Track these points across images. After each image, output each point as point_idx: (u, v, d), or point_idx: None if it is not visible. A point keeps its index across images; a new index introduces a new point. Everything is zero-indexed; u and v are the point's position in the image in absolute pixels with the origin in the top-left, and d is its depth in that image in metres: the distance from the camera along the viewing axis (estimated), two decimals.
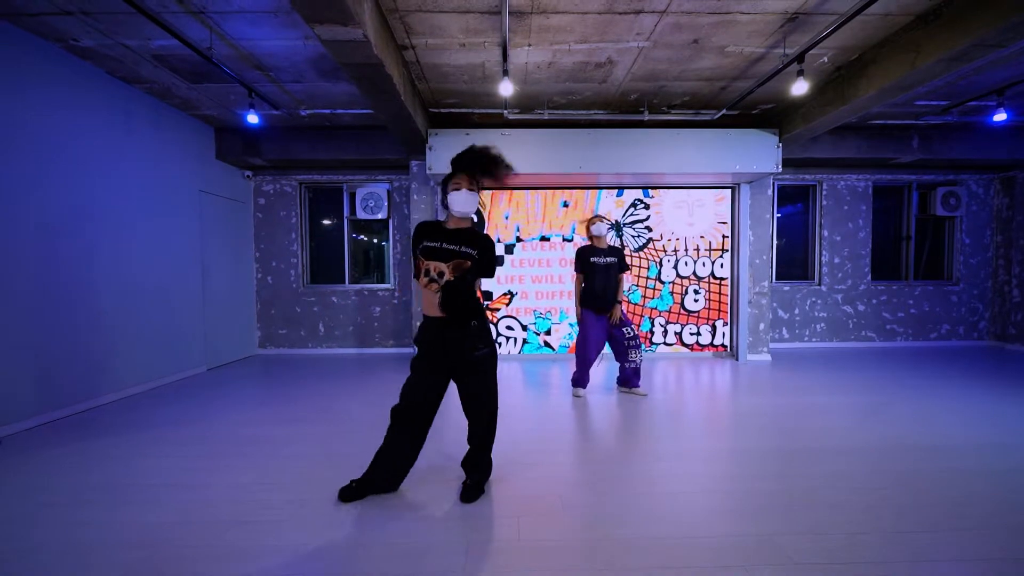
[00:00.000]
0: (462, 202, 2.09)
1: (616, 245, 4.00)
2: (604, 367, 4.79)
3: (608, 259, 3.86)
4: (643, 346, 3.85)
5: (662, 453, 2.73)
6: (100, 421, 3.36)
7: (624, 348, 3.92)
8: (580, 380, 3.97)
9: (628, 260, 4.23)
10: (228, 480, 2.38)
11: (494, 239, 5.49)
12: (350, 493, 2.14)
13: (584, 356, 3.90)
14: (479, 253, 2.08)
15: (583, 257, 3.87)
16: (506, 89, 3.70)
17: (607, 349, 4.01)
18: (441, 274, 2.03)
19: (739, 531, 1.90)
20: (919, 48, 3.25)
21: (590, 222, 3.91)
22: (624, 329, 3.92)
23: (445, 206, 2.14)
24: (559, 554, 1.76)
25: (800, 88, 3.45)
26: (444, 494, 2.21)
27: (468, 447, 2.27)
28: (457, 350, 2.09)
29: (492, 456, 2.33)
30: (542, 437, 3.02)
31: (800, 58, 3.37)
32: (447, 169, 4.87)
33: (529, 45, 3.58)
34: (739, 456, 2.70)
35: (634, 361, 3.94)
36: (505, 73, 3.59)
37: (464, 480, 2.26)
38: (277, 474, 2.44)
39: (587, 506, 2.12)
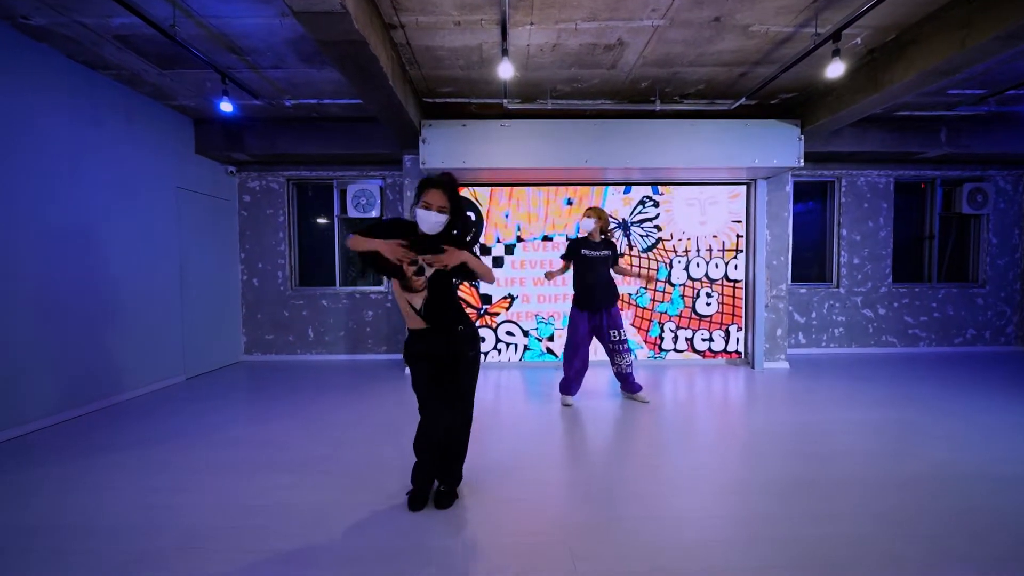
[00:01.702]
0: (429, 223, 1.97)
1: (609, 239, 3.74)
2: (608, 375, 4.44)
3: (602, 252, 3.62)
4: (632, 350, 3.69)
5: (659, 482, 2.37)
6: (51, 443, 3.01)
7: (609, 350, 3.73)
8: (567, 387, 3.74)
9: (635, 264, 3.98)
10: (185, 521, 2.02)
11: (493, 239, 5.15)
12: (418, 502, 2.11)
13: (569, 361, 3.69)
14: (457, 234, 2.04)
15: (574, 248, 3.66)
16: (506, 71, 3.34)
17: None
18: (425, 268, 1.96)
19: (733, 565, 1.55)
20: (970, 24, 2.89)
21: (585, 214, 3.67)
22: (612, 332, 3.67)
23: (412, 217, 2.05)
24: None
25: (836, 70, 3.08)
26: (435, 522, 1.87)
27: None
28: (447, 355, 2.06)
29: (469, 463, 2.35)
30: (532, 450, 2.67)
31: (836, 36, 3.01)
32: (443, 164, 4.55)
33: (531, 24, 3.22)
34: (749, 490, 2.32)
35: (619, 365, 3.72)
36: (505, 53, 3.23)
37: (437, 487, 2.20)
38: (244, 517, 2.09)
39: (582, 524, 1.76)
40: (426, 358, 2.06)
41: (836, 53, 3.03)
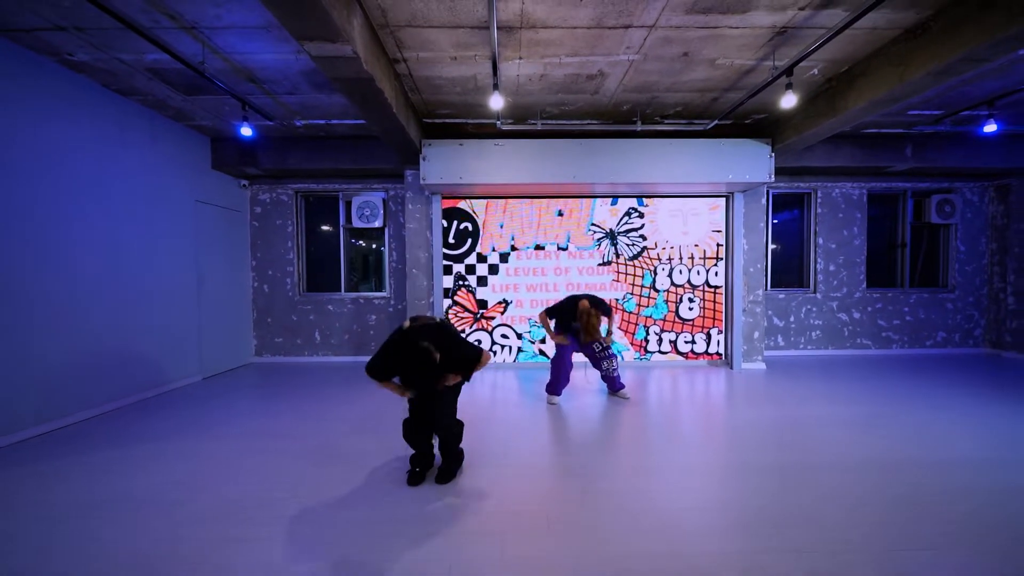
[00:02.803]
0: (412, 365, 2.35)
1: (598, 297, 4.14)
2: (596, 377, 4.80)
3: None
4: (618, 354, 4.20)
5: (651, 467, 2.73)
6: (93, 433, 3.37)
7: (596, 360, 4.16)
8: (553, 388, 4.16)
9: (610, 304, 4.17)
10: (218, 496, 2.38)
11: (489, 248, 5.51)
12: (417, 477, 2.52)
13: (556, 375, 4.13)
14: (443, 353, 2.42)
15: (564, 320, 4.01)
16: (496, 103, 3.72)
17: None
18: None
19: (721, 549, 1.90)
20: (907, 62, 3.27)
21: (590, 320, 3.86)
22: (595, 345, 4.10)
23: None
24: (544, 572, 1.77)
25: (789, 101, 3.46)
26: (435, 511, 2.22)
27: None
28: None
29: (467, 449, 2.84)
30: (529, 449, 3.03)
31: (789, 71, 3.39)
32: (441, 179, 4.95)
33: (520, 58, 3.60)
34: (730, 471, 2.70)
35: (607, 370, 4.16)
36: (495, 87, 3.61)
37: (439, 464, 2.65)
38: (269, 489, 2.45)
39: (572, 522, 2.12)
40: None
41: (789, 86, 3.41)
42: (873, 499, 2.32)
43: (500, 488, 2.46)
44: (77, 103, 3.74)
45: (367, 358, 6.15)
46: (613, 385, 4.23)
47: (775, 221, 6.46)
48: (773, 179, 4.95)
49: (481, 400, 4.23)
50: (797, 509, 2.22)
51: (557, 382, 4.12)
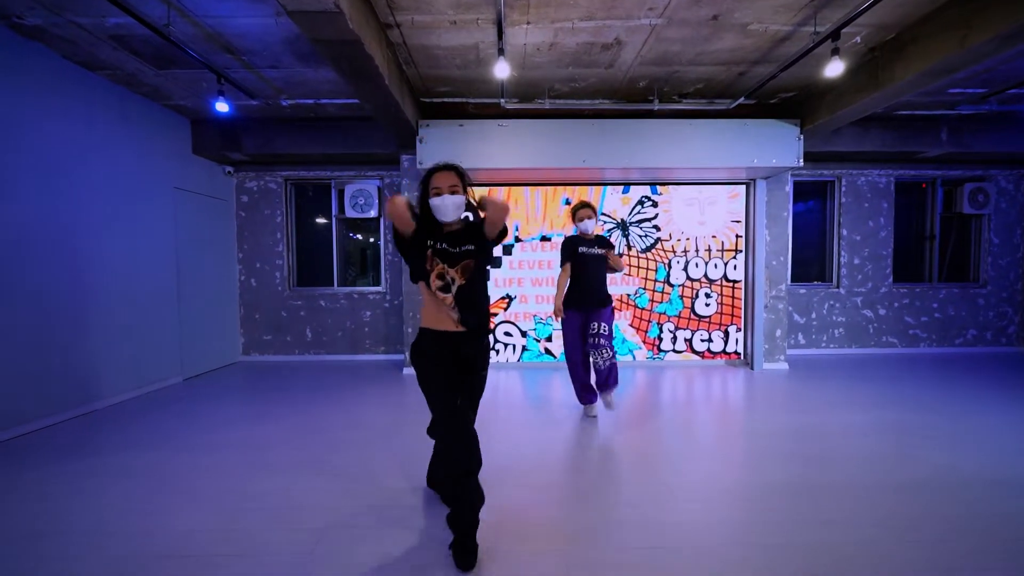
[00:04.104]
0: (447, 210, 1.82)
1: (601, 234, 3.59)
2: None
3: (598, 250, 3.40)
4: (612, 348, 3.29)
5: (658, 485, 2.34)
6: (46, 444, 3.00)
7: (589, 344, 3.36)
8: (582, 395, 3.51)
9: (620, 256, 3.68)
10: (177, 526, 2.01)
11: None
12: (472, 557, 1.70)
13: (574, 367, 3.44)
14: (476, 247, 1.85)
15: (571, 247, 3.39)
16: (502, 71, 3.32)
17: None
18: (453, 280, 1.79)
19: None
20: (970, 25, 2.86)
21: (576, 211, 3.39)
22: (593, 324, 3.34)
23: (424, 214, 1.89)
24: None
25: (835, 69, 3.06)
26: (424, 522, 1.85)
27: None
28: (466, 365, 1.88)
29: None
30: (529, 453, 2.65)
31: (835, 35, 2.99)
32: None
33: (528, 23, 3.20)
34: (747, 493, 2.30)
35: (597, 362, 3.31)
36: (501, 52, 3.21)
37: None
38: (235, 520, 2.08)
39: (578, 528, 1.75)
40: (442, 362, 1.83)
41: (835, 52, 3.01)
42: (921, 523, 1.95)
43: (508, 485, 2.08)
44: (33, 75, 3.34)
45: (362, 357, 5.81)
46: (603, 382, 3.31)
47: (793, 212, 6.06)
48: (801, 163, 4.55)
49: (484, 400, 3.84)
50: (831, 550, 1.83)
51: (585, 388, 3.45)
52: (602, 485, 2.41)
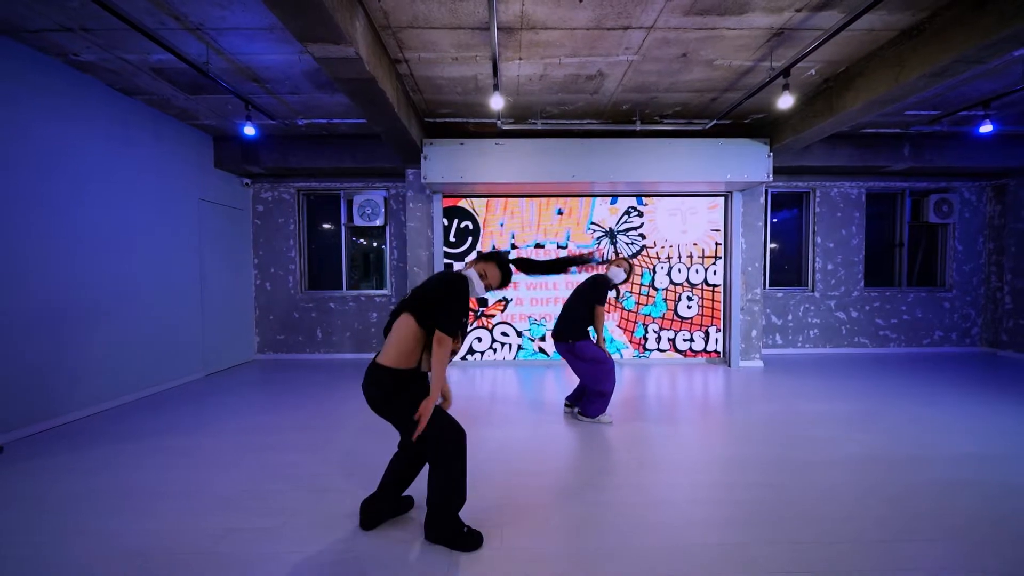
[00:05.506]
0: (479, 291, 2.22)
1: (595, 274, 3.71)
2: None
3: (583, 285, 3.61)
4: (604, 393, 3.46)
5: (649, 461, 2.78)
6: (98, 429, 3.42)
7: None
8: (607, 403, 3.54)
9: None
10: (219, 490, 2.43)
11: (489, 246, 5.54)
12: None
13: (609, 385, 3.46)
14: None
15: (606, 293, 3.49)
16: (497, 103, 3.76)
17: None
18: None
19: (710, 541, 1.95)
20: (903, 63, 3.30)
21: (619, 263, 3.51)
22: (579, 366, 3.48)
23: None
24: (543, 563, 1.82)
25: (786, 102, 3.50)
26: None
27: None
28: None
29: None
30: (526, 447, 3.08)
31: (786, 72, 3.43)
32: (442, 178, 4.98)
33: (520, 59, 3.64)
34: (725, 465, 2.75)
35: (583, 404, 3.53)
36: (496, 88, 3.65)
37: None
38: (270, 483, 2.50)
39: (571, 515, 2.17)
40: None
41: (786, 87, 3.45)
42: (859, 493, 2.37)
43: (502, 471, 2.51)
44: (82, 102, 3.78)
45: (368, 355, 6.23)
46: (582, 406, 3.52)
47: (774, 220, 6.50)
48: (771, 178, 4.99)
49: (481, 397, 4.27)
50: (792, 504, 2.27)
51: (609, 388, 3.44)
52: (593, 473, 2.82)
